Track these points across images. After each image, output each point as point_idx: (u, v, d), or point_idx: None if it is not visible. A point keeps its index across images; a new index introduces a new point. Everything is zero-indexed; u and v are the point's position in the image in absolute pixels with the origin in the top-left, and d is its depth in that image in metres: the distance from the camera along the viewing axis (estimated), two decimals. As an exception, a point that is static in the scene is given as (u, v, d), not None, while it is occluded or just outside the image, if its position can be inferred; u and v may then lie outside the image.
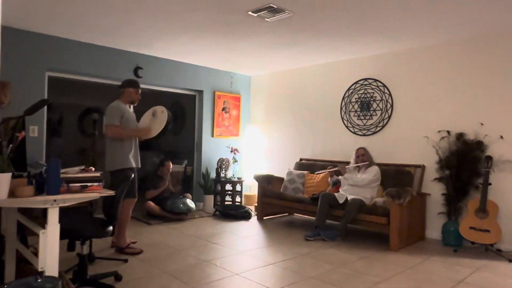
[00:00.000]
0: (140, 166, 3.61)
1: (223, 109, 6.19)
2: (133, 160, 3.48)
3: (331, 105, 5.38)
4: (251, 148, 6.30)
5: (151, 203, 4.89)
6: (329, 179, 4.75)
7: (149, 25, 3.94)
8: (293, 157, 5.79)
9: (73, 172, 2.43)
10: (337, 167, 4.55)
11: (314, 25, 3.81)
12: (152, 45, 4.76)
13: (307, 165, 5.30)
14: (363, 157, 4.39)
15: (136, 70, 5.07)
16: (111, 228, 2.69)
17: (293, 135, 5.90)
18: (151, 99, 5.99)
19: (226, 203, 5.81)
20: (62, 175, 2.27)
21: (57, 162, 2.15)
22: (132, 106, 4.96)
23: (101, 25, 3.96)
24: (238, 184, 5.97)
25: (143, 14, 3.63)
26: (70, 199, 2.18)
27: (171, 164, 5.18)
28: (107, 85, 5.00)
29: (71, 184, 2.28)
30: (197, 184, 5.92)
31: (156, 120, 3.59)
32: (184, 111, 7.58)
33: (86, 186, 2.35)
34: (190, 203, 5.06)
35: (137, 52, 5.09)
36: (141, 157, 3.67)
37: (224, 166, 5.98)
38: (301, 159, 5.65)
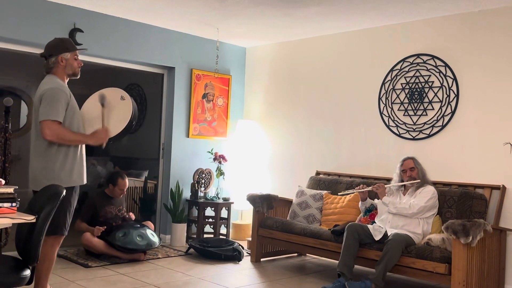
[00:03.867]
0: (86, 182, 3.54)
1: (205, 95, 6.15)
2: (81, 174, 3.41)
3: (365, 94, 5.36)
4: (244, 155, 6.26)
5: (91, 236, 4.82)
6: (359, 203, 4.74)
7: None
8: (306, 170, 5.78)
9: (-29, 185, 2.38)
10: (372, 186, 4.51)
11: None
12: (99, -3, 4.72)
13: (327, 182, 5.29)
14: (412, 173, 4.36)
15: (72, 34, 5.03)
16: (28, 272, 2.64)
17: (307, 138, 5.88)
18: (94, 79, 5.91)
19: (205, 236, 5.78)
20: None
21: None
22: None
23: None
24: (224, 208, 5.94)
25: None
26: (-35, 227, 2.14)
27: (127, 182, 5.17)
28: (28, 55, 4.94)
29: (-33, 205, 2.25)
30: (163, 207, 5.87)
31: (113, 111, 3.47)
32: (145, 98, 7.54)
33: (-9, 208, 2.31)
34: (152, 235, 5.02)
35: (74, 7, 5.04)
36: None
37: (204, 181, 5.94)
38: (318, 173, 5.64)
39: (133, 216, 5.24)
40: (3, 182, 2.58)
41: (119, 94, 3.53)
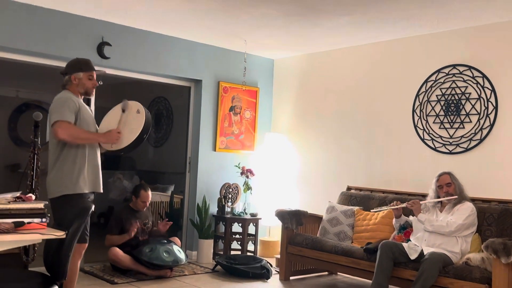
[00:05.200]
0: (101, 191, 3.63)
1: (232, 108, 6.19)
2: (89, 181, 3.51)
3: (398, 106, 5.34)
4: (272, 169, 6.27)
5: (118, 250, 4.88)
6: (393, 220, 4.69)
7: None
8: (337, 185, 5.75)
9: (3, 200, 2.42)
10: (407, 203, 4.46)
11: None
12: (125, 10, 4.80)
13: (359, 198, 5.27)
14: (449, 188, 4.32)
15: (100, 48, 5.13)
16: (56, 288, 2.67)
17: (338, 152, 5.87)
18: (121, 92, 6.02)
19: (232, 252, 5.79)
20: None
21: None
22: (92, 102, 5.00)
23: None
24: (251, 224, 5.94)
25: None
26: (-4, 243, 2.18)
27: (150, 194, 5.22)
28: (56, 68, 5.01)
29: (-2, 220, 2.30)
30: (190, 222, 5.89)
31: (127, 122, 3.58)
32: (171, 111, 7.62)
33: (22, 223, 2.35)
34: (179, 251, 5.05)
35: (102, 20, 5.15)
36: (104, 179, 3.67)
37: (231, 196, 5.96)
38: (349, 188, 5.61)
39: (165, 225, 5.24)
40: (34, 197, 2.62)
41: (136, 108, 3.67)
